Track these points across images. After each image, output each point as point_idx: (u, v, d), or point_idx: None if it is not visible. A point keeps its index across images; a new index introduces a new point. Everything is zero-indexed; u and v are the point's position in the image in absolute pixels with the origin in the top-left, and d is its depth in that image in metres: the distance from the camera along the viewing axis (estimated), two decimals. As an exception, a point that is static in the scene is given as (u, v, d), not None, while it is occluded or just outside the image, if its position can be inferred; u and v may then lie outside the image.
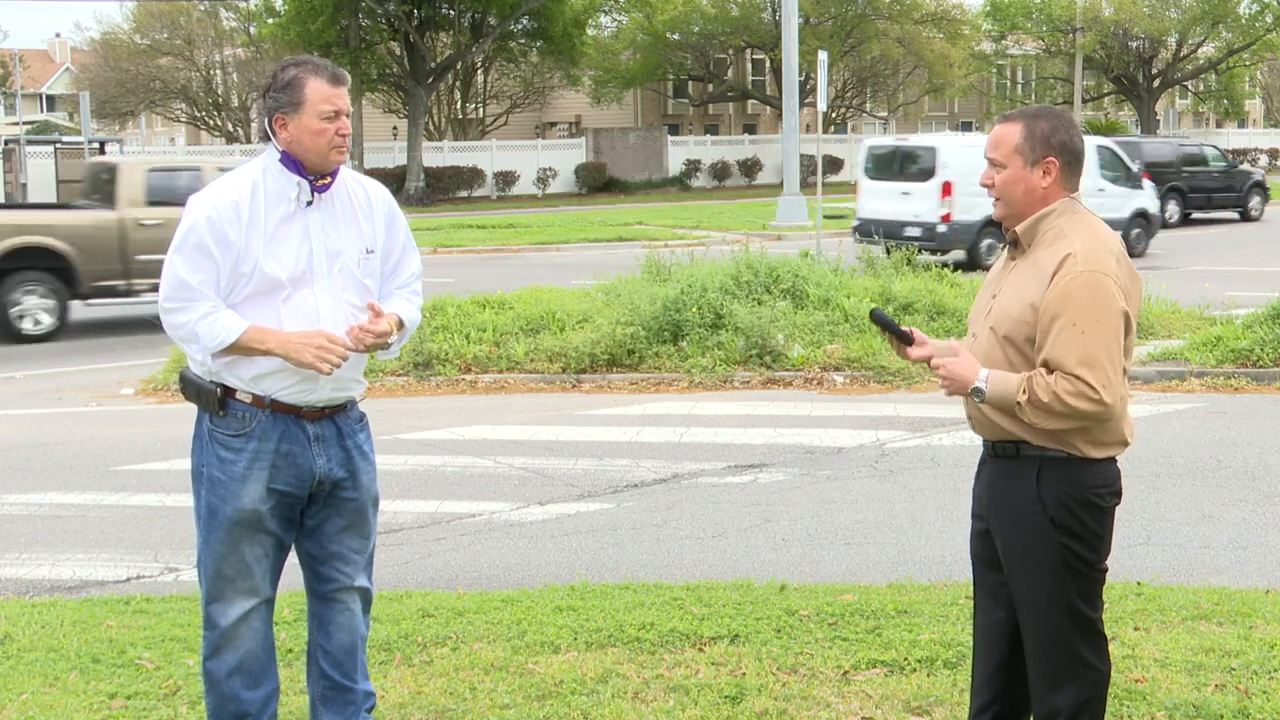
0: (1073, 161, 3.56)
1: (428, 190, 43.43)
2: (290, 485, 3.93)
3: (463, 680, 4.91)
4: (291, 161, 3.88)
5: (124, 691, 4.85)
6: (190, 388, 3.97)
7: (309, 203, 3.90)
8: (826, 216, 29.47)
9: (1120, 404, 3.44)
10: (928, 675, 4.88)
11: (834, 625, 5.44)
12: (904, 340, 3.67)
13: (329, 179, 3.94)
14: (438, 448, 9.44)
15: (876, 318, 3.70)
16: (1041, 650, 3.60)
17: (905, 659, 5.02)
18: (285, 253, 3.86)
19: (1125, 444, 3.58)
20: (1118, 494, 3.59)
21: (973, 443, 9.37)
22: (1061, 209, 3.56)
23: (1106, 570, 3.64)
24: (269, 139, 3.91)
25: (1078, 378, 3.37)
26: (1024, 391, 3.43)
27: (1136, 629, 5.37)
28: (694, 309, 12.65)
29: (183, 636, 5.40)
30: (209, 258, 3.80)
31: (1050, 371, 3.42)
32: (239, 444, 3.90)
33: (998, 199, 3.61)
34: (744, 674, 4.92)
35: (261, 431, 3.89)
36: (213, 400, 3.90)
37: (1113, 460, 3.57)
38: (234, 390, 3.89)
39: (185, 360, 4.03)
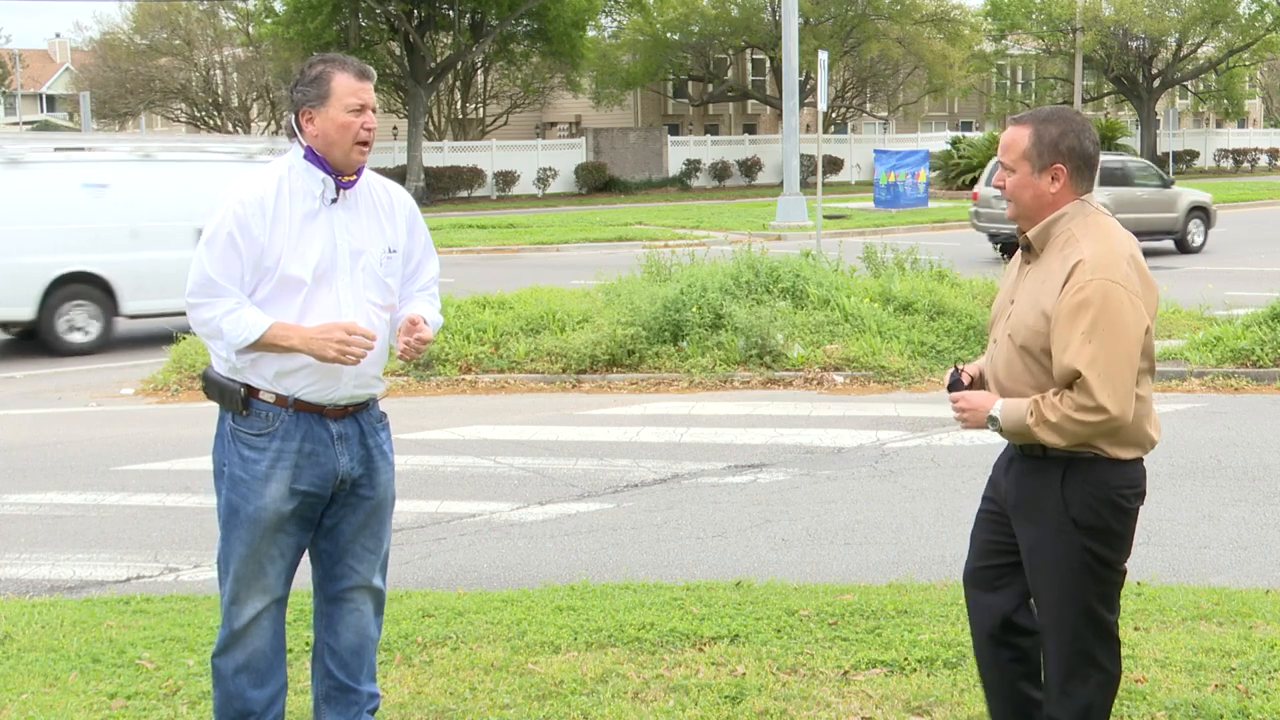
0: (1082, 166, 3.55)
1: (428, 190, 43.42)
2: (313, 485, 3.92)
3: (463, 680, 4.91)
4: (317, 159, 3.89)
5: (124, 691, 4.85)
6: (213, 387, 3.96)
7: (333, 200, 3.91)
8: (827, 216, 29.51)
9: (1128, 412, 3.41)
10: (928, 675, 4.89)
11: (834, 625, 5.44)
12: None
13: (354, 177, 3.94)
14: (438, 448, 9.44)
15: (951, 384, 3.79)
16: (1058, 650, 3.64)
17: (905, 659, 5.02)
18: (309, 249, 3.86)
19: (1152, 444, 3.58)
20: (1141, 494, 3.60)
21: (973, 443, 9.41)
22: (1073, 212, 3.55)
23: (1125, 572, 3.66)
24: (294, 135, 3.92)
25: (1084, 391, 3.38)
26: (1031, 414, 3.44)
27: (1136, 629, 5.36)
28: (694, 309, 12.65)
29: (183, 636, 5.40)
30: (235, 253, 3.81)
31: (1065, 384, 3.42)
32: (262, 443, 3.89)
33: (1009, 201, 3.62)
34: (744, 674, 4.91)
35: (285, 431, 3.89)
36: (236, 400, 3.89)
37: (1139, 461, 3.57)
38: (258, 390, 3.89)
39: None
